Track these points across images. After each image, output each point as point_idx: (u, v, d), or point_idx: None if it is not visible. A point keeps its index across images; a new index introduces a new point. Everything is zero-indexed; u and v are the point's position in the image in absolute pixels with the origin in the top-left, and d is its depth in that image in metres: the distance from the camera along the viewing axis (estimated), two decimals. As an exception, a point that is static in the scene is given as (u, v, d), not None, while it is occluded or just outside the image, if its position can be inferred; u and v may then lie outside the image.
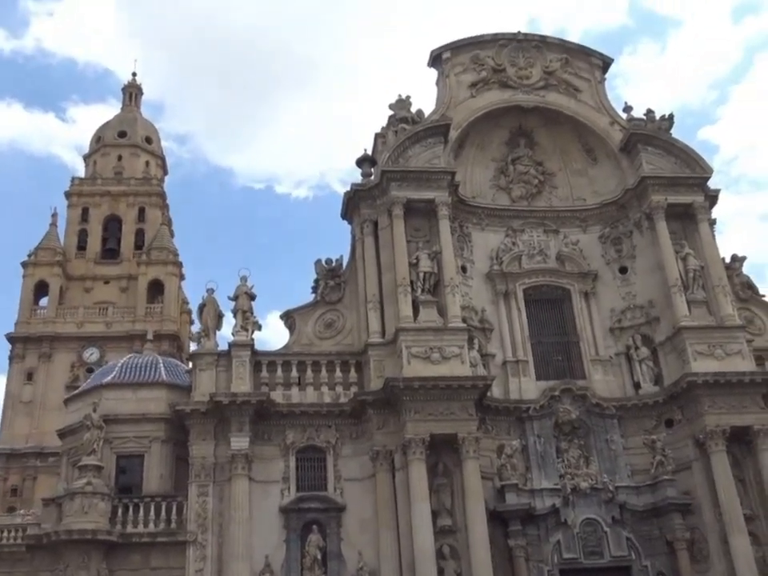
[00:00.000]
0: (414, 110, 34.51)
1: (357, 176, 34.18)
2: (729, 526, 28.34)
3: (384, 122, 34.51)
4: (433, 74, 37.00)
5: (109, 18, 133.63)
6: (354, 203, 33.27)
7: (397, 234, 31.37)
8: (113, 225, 64.07)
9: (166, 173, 72.00)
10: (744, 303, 33.91)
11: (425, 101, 35.63)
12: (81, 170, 70.65)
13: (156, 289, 60.81)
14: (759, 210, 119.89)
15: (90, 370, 54.57)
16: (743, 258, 35.26)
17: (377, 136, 34.81)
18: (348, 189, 33.37)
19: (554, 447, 30.96)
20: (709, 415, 29.63)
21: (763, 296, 34.95)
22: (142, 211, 64.88)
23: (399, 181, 32.03)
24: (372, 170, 33.85)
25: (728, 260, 34.57)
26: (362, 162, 34.60)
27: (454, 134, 34.29)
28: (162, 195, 66.71)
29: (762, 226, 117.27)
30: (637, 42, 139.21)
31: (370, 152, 35.17)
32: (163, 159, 71.79)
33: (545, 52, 37.16)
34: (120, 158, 67.68)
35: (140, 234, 63.99)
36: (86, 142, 74.43)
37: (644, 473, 30.51)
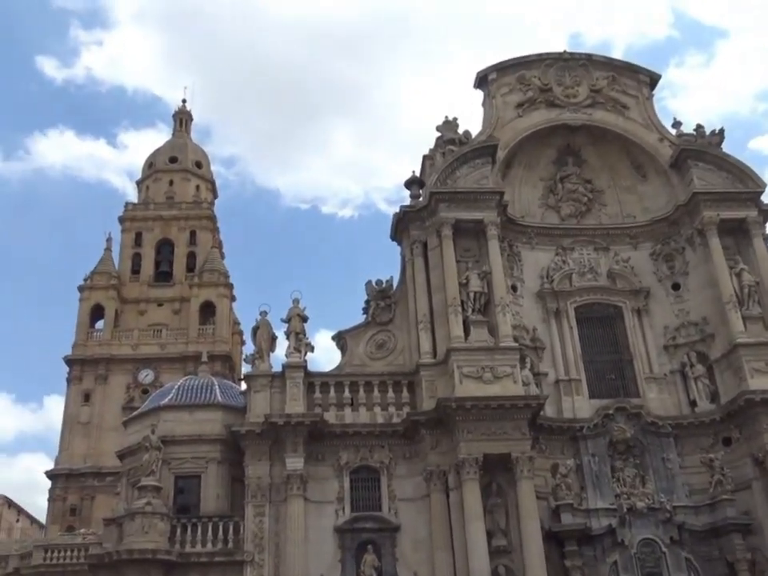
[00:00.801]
0: (461, 131, 34.81)
1: (401, 195, 35.18)
2: (791, 546, 27.83)
3: (427, 143, 34.92)
4: (478, 95, 37.40)
5: (156, 46, 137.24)
6: (403, 224, 33.61)
7: (446, 254, 31.60)
8: (165, 248, 65.68)
9: (215, 196, 73.52)
10: (802, 318, 33.29)
11: (469, 122, 35.99)
12: (132, 195, 72.69)
13: (208, 310, 62.00)
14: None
15: (146, 391, 55.91)
16: (799, 272, 34.66)
17: (425, 158, 35.18)
18: (396, 210, 33.85)
19: (609, 466, 30.68)
20: (768, 433, 29.17)
21: (821, 311, 34.24)
22: (193, 234, 66.37)
23: (448, 202, 32.31)
24: (421, 191, 34.20)
25: (783, 274, 34.04)
26: (410, 183, 35.01)
27: (501, 154, 34.49)
28: (212, 218, 68.14)
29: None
30: (683, 54, 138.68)
31: (418, 173, 35.56)
32: (213, 183, 73.32)
33: (591, 70, 37.21)
34: (171, 182, 69.43)
35: (191, 257, 65.40)
36: (136, 166, 76.55)
37: (702, 492, 30.09)
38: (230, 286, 64.38)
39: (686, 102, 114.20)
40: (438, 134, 34.90)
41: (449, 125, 34.98)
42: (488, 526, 27.70)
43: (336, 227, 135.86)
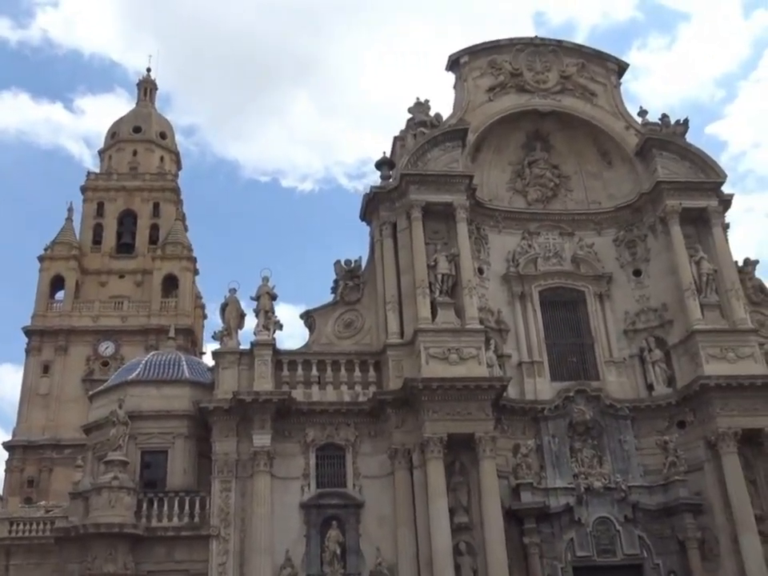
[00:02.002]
0: (432, 113, 35.02)
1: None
2: (739, 525, 28.95)
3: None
4: (444, 76, 37.75)
5: (113, 10, 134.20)
6: (373, 205, 33.85)
7: (416, 236, 31.96)
8: (128, 220, 64.94)
9: (179, 168, 72.71)
10: (756, 307, 34.35)
11: (431, 97, 35.94)
12: (90, 162, 71.82)
13: (170, 283, 61.60)
14: (766, 207, 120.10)
15: (106, 364, 55.80)
16: (755, 262, 35.75)
17: (396, 139, 35.42)
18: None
19: (568, 447, 31.55)
20: (721, 417, 30.19)
21: (775, 299, 35.41)
22: (156, 206, 65.69)
23: (418, 184, 32.61)
24: (391, 172, 34.40)
25: (740, 263, 35.07)
26: (381, 164, 35.22)
27: (471, 138, 34.84)
28: (176, 190, 67.48)
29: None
30: (646, 36, 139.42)
31: (388, 154, 35.80)
32: (177, 154, 72.47)
33: (561, 57, 37.69)
34: (135, 153, 68.51)
35: (154, 229, 64.79)
36: (94, 132, 75.93)
37: (656, 473, 31.11)
38: (194, 260, 63.98)
39: (648, 84, 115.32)
40: (410, 116, 35.11)
41: (420, 107, 35.19)
42: (450, 504, 28.34)
43: (296, 201, 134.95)
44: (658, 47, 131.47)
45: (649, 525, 30.37)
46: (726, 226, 34.85)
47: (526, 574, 28.82)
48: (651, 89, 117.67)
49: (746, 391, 30.46)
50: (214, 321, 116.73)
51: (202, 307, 71.10)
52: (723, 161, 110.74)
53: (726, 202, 34.98)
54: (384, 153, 35.70)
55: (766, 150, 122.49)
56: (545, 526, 29.70)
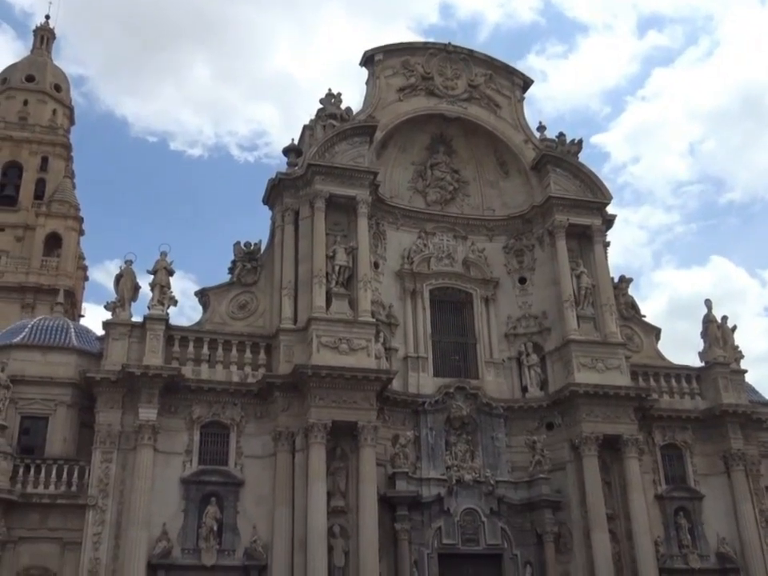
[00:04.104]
0: (342, 106, 35.66)
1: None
2: (592, 522, 31.36)
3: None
4: (355, 69, 38.43)
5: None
6: (277, 190, 34.29)
7: (317, 226, 32.66)
8: (12, 171, 62.25)
9: (72, 123, 70.15)
10: (626, 321, 36.95)
11: (342, 92, 36.49)
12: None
13: (53, 242, 59.67)
14: (637, 220, 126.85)
15: (-23, 318, 53.47)
16: (630, 280, 38.44)
17: (305, 128, 35.93)
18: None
19: (444, 440, 33.20)
20: (585, 422, 32.48)
21: (644, 316, 38.15)
22: (45, 160, 63.23)
23: (324, 175, 33.28)
24: (298, 160, 34.87)
25: (616, 280, 37.56)
26: (288, 151, 35.67)
27: (379, 135, 35.82)
28: (67, 146, 65.11)
29: (640, 234, 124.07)
30: (545, 42, 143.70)
31: (296, 141, 36.29)
32: (71, 109, 69.83)
33: (471, 66, 39.13)
34: (26, 102, 65.62)
35: (41, 184, 62.40)
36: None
37: (523, 470, 33.18)
38: (80, 220, 62.17)
39: (542, 89, 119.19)
40: (320, 106, 35.66)
41: (331, 99, 35.80)
42: (328, 487, 29.35)
43: (184, 165, 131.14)
44: (555, 54, 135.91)
45: (511, 518, 32.42)
46: (607, 244, 37.19)
47: (395, 558, 30.30)
48: (545, 94, 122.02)
49: (610, 400, 32.88)
50: (95, 284, 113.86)
51: (84, 269, 69.17)
52: (605, 172, 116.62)
53: (608, 221, 37.35)
54: (292, 140, 36.19)
55: (645, 165, 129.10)
56: (416, 513, 31.24)
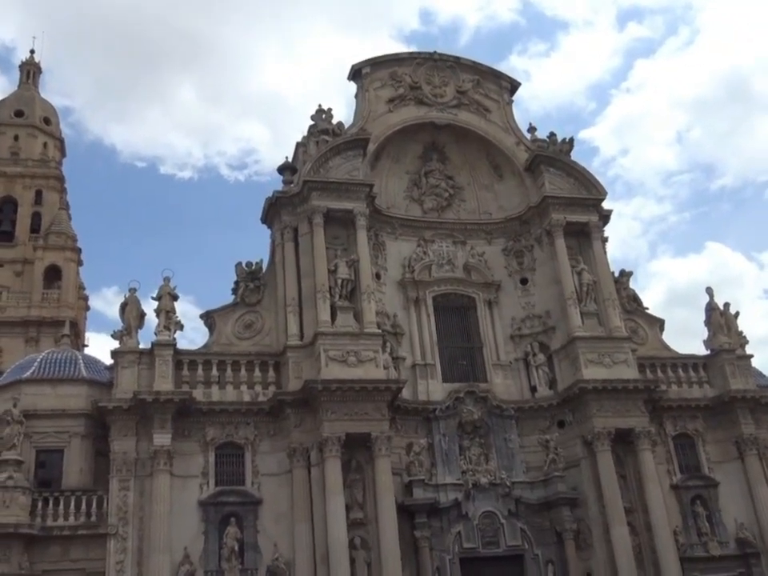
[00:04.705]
0: (332, 120, 36.00)
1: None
2: (610, 517, 31.47)
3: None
4: (342, 82, 38.81)
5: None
6: (274, 209, 34.54)
7: (317, 241, 32.89)
8: (8, 207, 62.85)
9: (64, 155, 70.63)
10: (630, 315, 37.16)
11: (332, 108, 36.85)
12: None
13: (52, 274, 59.94)
14: (630, 212, 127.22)
15: (-15, 356, 53.67)
16: (630, 274, 38.69)
17: (298, 145, 36.27)
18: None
19: (458, 445, 33.34)
20: (597, 418, 32.64)
21: (647, 309, 38.38)
22: (39, 194, 63.87)
23: (320, 191, 33.55)
24: (293, 177, 35.14)
25: (617, 275, 37.80)
26: (283, 169, 35.95)
27: (371, 147, 36.11)
28: (60, 178, 65.66)
29: (634, 225, 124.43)
30: (526, 42, 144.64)
31: (291, 159, 36.59)
32: (62, 141, 70.42)
33: (458, 72, 39.46)
34: (17, 137, 66.31)
35: (36, 217, 62.93)
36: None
37: (538, 469, 33.31)
38: (78, 250, 62.49)
39: (527, 89, 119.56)
40: (312, 123, 35.96)
41: (322, 114, 36.11)
42: (346, 500, 29.44)
43: (174, 189, 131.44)
44: (537, 53, 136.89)
45: (530, 518, 32.51)
46: (605, 240, 37.44)
47: (417, 566, 30.40)
48: (530, 94, 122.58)
49: (619, 394, 33.03)
50: (95, 312, 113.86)
51: (85, 298, 69.47)
52: (595, 166, 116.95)
53: (605, 217, 37.61)
54: (287, 158, 36.43)
55: (634, 157, 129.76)
56: (435, 520, 31.34)
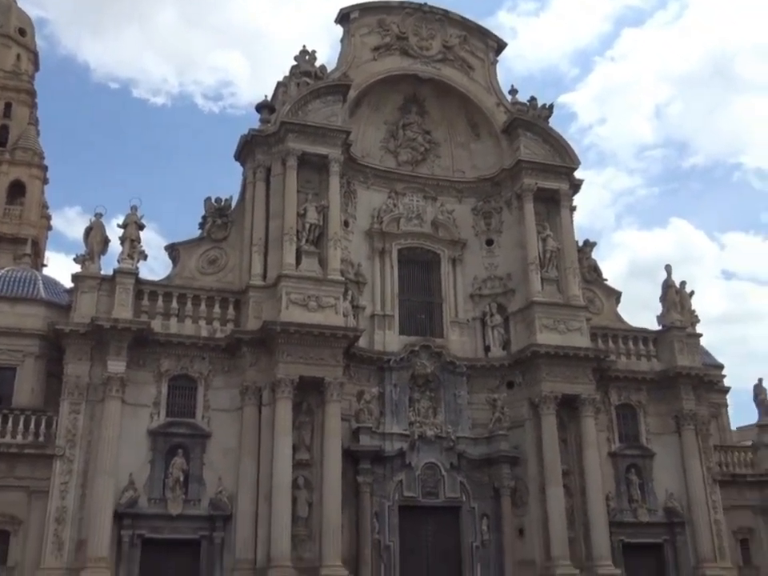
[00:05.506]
0: (317, 64, 35.63)
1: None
2: (548, 478, 32.58)
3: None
4: (329, 26, 38.33)
5: None
6: (249, 147, 34.27)
7: (289, 184, 32.81)
8: (-27, 117, 61.01)
9: (37, 69, 68.57)
10: (588, 285, 37.82)
11: (316, 50, 36.40)
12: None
13: (15, 190, 58.79)
14: (601, 182, 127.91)
15: (-59, 268, 52.81)
16: (594, 244, 39.27)
17: (278, 84, 35.85)
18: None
19: (408, 397, 34.04)
20: (545, 382, 33.49)
21: (606, 280, 39.07)
22: (8, 106, 61.88)
23: (297, 133, 33.31)
24: (271, 117, 34.83)
25: (581, 244, 38.34)
26: (261, 107, 35.59)
27: (352, 94, 35.80)
28: (31, 92, 63.65)
29: (604, 194, 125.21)
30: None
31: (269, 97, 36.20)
32: (36, 54, 68.13)
33: (446, 26, 39.09)
34: (-12, 47, 64.01)
35: (4, 131, 61.17)
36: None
37: (483, 427, 34.21)
38: (44, 168, 61.26)
39: (513, 47, 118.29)
40: (294, 63, 35.55)
41: (306, 56, 35.69)
42: (294, 441, 30.06)
43: (147, 114, 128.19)
44: (526, 11, 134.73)
45: (470, 472, 33.50)
46: (573, 209, 37.84)
47: (357, 509, 31.25)
48: (516, 52, 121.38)
49: (569, 361, 33.87)
50: (57, 232, 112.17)
51: (48, 217, 68.33)
52: (571, 132, 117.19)
53: (576, 186, 37.96)
54: (265, 96, 36.08)
55: (610, 127, 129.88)
56: (378, 467, 32.17)
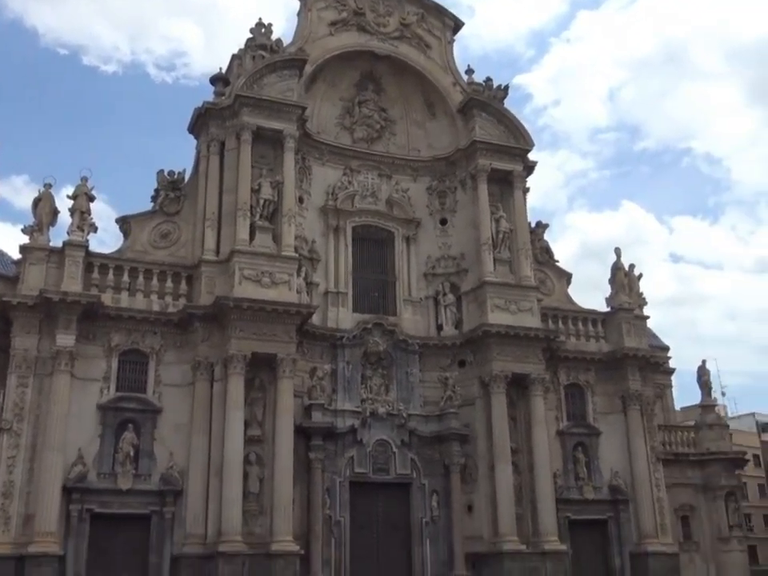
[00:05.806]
0: (273, 37, 35.21)
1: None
2: (497, 455, 33.09)
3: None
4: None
5: None
6: (203, 120, 33.87)
7: (243, 159, 32.52)
8: None
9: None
10: (540, 266, 38.32)
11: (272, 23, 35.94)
12: None
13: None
14: (554, 164, 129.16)
15: None
16: (546, 226, 39.77)
17: (233, 57, 35.40)
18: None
19: (360, 374, 34.20)
20: (496, 361, 33.94)
21: (557, 261, 39.63)
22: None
23: (252, 107, 32.97)
24: (225, 90, 34.44)
25: (533, 225, 38.81)
26: (215, 80, 35.17)
27: (308, 69, 35.55)
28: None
29: (557, 175, 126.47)
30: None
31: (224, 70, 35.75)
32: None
33: (404, 3, 39.00)
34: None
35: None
36: None
37: (434, 404, 34.59)
38: (-9, 136, 59.89)
39: (468, 27, 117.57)
40: (250, 36, 35.14)
41: (262, 29, 35.28)
42: (246, 417, 30.00)
43: (97, 82, 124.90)
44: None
45: (421, 449, 33.88)
46: (526, 190, 38.22)
47: (308, 485, 31.43)
48: (471, 32, 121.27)
49: (520, 340, 34.35)
50: (4, 200, 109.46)
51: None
52: (526, 113, 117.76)
53: (530, 168, 38.32)
54: (220, 68, 35.66)
55: (564, 109, 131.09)
56: (330, 443, 32.34)
